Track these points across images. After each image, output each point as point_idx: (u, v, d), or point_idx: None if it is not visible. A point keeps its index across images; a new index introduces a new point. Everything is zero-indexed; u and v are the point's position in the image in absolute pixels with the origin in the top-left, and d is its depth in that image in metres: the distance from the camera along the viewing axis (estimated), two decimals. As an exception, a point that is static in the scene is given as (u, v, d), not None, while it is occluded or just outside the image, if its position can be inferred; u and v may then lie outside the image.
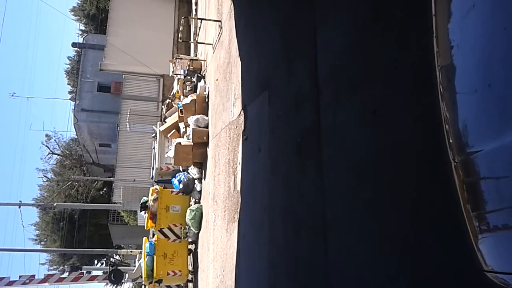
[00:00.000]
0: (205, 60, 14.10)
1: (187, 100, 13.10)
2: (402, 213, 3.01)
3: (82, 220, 35.43)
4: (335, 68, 4.23)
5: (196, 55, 16.66)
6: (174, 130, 14.75)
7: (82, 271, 20.43)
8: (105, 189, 35.84)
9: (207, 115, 12.21)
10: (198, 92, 13.44)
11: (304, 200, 4.62)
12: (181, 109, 13.44)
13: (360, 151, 3.62)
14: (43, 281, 18.97)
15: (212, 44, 12.44)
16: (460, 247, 2.34)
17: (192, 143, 12.03)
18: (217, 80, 11.02)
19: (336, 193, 3.92)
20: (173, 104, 16.16)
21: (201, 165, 12.24)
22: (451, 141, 2.31)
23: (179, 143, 12.63)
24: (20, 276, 18.86)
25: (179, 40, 18.41)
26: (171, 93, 17.63)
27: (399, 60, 3.25)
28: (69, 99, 39.40)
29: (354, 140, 3.73)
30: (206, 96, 12.68)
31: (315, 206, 4.29)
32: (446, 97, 2.42)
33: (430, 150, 2.83)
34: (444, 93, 2.43)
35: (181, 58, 15.40)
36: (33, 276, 19.08)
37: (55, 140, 38.41)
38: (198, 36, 16.48)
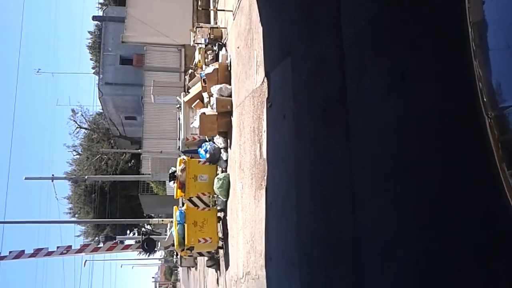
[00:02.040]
0: (225, 28, 13.94)
1: (209, 70, 13.05)
2: (432, 176, 2.97)
3: (113, 192, 36.38)
4: (360, 30, 4.12)
5: (216, 23, 16.46)
6: (198, 100, 14.78)
7: (116, 240, 21.14)
8: (133, 161, 36.54)
9: (230, 84, 12.16)
10: (220, 60, 13.36)
11: (331, 165, 4.60)
12: (203, 79, 13.42)
13: (387, 114, 3.55)
14: (79, 251, 19.73)
15: (232, 11, 12.26)
16: (495, 207, 2.31)
17: (216, 113, 12.05)
18: (238, 47, 10.91)
19: (363, 156, 3.89)
20: (196, 74, 16.14)
21: (226, 134, 12.29)
22: (484, 99, 2.26)
23: (204, 113, 12.68)
24: (57, 247, 19.66)
25: (198, 8, 18.19)
26: (193, 63, 17.58)
27: (429, 20, 3.14)
28: (93, 73, 39.81)
29: (381, 104, 3.67)
30: (228, 64, 12.59)
31: (342, 171, 4.28)
32: (478, 54, 2.36)
33: (461, 111, 2.76)
34: (476, 50, 2.37)
35: (202, 27, 15.25)
36: (70, 246, 19.86)
37: (81, 115, 39.09)
38: (217, 3, 16.25)
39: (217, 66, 12.78)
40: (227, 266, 11.52)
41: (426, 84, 3.13)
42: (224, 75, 12.54)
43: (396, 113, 3.43)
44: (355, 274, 3.87)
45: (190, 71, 18.30)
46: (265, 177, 7.46)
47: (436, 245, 2.90)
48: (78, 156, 40.09)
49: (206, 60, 15.04)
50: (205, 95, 13.89)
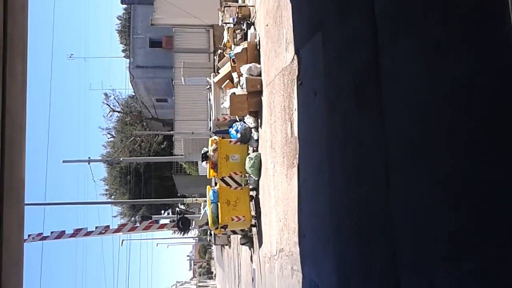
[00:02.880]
0: (253, 6, 13.82)
1: (238, 49, 13.02)
2: (465, 149, 2.91)
3: (147, 174, 37.19)
4: (394, 3, 4.02)
5: (244, 2, 16.34)
6: (227, 80, 14.81)
7: (152, 220, 21.71)
8: (165, 142, 37.15)
9: (259, 63, 12.11)
10: (248, 40, 13.29)
11: (363, 142, 4.57)
12: (233, 59, 13.40)
13: (421, 87, 3.48)
14: (117, 230, 20.41)
15: (259, -11, 12.13)
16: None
17: (246, 92, 12.06)
18: (267, 25, 10.82)
19: (396, 130, 3.84)
20: (225, 54, 16.13)
21: (257, 114, 12.31)
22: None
23: (234, 93, 12.71)
24: (96, 227, 20.38)
25: (226, -13, 18.07)
26: (222, 43, 17.56)
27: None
28: (124, 57, 40.37)
29: (415, 77, 3.59)
30: (257, 43, 12.52)
31: (376, 147, 4.24)
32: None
33: (497, 82, 2.68)
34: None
35: (229, 6, 15.19)
36: (108, 226, 20.55)
37: (114, 98, 39.85)
38: (244, -19, 16.09)
39: (246, 46, 12.73)
40: (260, 243, 11.68)
41: (461, 54, 3.04)
42: (253, 54, 12.49)
43: (430, 85, 3.35)
44: (388, 250, 3.87)
45: (219, 51, 18.31)
46: (297, 156, 7.47)
47: (470, 220, 2.86)
48: (112, 139, 41.04)
49: (235, 39, 15.00)
50: (234, 75, 13.89)
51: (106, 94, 39.17)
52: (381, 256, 4.08)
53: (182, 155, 24.11)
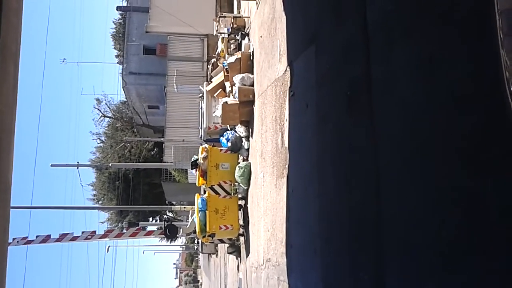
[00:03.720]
0: (248, 17, 13.94)
1: (232, 59, 13.10)
2: (457, 160, 2.98)
3: (136, 180, 36.95)
4: (386, 15, 4.11)
5: (239, 12, 16.47)
6: (220, 89, 14.87)
7: (139, 226, 21.53)
8: (155, 149, 37.01)
9: (252, 73, 12.20)
10: (242, 50, 13.39)
11: (355, 153, 4.63)
12: (226, 68, 13.49)
13: (413, 98, 3.56)
14: (103, 236, 20.17)
15: (255, 0, 12.25)
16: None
17: (238, 102, 12.13)
18: (261, 36, 10.92)
19: (389, 144, 3.90)
20: (218, 64, 16.21)
21: (248, 123, 12.36)
22: (511, 88, 2.24)
23: (226, 102, 12.77)
24: (82, 232, 20.13)
25: (221, -3, 18.21)
26: (216, 53, 17.65)
27: (456, 5, 3.12)
28: (117, 62, 40.29)
29: (407, 88, 3.67)
30: (251, 54, 12.62)
31: (367, 158, 4.30)
32: (506, 44, 2.33)
33: (489, 99, 2.76)
34: (504, 39, 2.35)
35: (225, 16, 15.30)
36: (94, 232, 20.30)
37: (106, 104, 39.68)
38: (240, -8, 16.24)
39: (239, 56, 12.83)
40: (247, 253, 11.67)
41: (453, 68, 3.12)
42: (247, 64, 12.58)
43: (422, 97, 3.43)
44: (377, 259, 3.91)
45: (212, 60, 18.39)
46: (287, 166, 7.52)
47: (460, 230, 2.92)
48: (102, 144, 40.80)
49: (229, 49, 15.09)
50: (227, 84, 13.97)
51: (98, 99, 39.00)
52: (369, 265, 4.12)
53: (172, 162, 24.02)
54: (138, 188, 37.00)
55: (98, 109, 39.15)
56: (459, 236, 2.90)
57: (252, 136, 11.79)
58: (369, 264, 4.08)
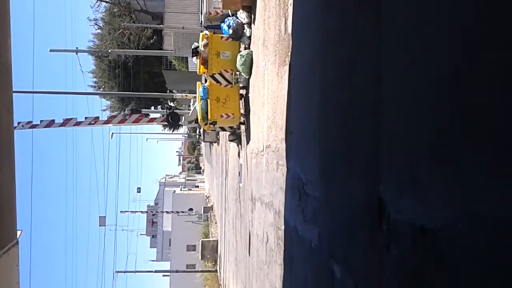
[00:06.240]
0: None
1: None
2: (455, 46, 2.90)
3: (136, 68, 36.68)
4: None
5: None
6: (221, -29, 14.04)
7: (142, 113, 21.83)
8: (155, 37, 36.15)
9: (256, -47, 11.42)
10: None
11: (359, 39, 4.49)
12: None
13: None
14: (107, 122, 20.53)
15: None
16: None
17: (240, -15, 11.54)
18: None
19: (393, 30, 3.77)
20: None
21: (250, 9, 11.88)
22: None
23: (227, -15, 12.14)
24: (86, 117, 20.41)
25: None
26: None
27: None
28: None
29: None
30: None
31: (370, 45, 4.19)
32: None
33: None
34: None
35: None
36: (98, 117, 20.60)
37: (102, -13, 37.88)
38: None
39: None
40: (248, 140, 11.98)
41: None
42: None
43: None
44: (373, 145, 4.01)
45: None
46: (289, 53, 7.37)
47: (456, 122, 2.93)
48: (100, 31, 39.75)
49: None
50: (229, -35, 13.14)
51: (93, -18, 37.12)
52: (365, 151, 4.23)
53: (172, 50, 23.60)
54: (139, 77, 36.86)
55: (95, -7, 37.48)
56: (454, 127, 2.92)
57: (254, 23, 11.40)
58: (365, 150, 4.18)
